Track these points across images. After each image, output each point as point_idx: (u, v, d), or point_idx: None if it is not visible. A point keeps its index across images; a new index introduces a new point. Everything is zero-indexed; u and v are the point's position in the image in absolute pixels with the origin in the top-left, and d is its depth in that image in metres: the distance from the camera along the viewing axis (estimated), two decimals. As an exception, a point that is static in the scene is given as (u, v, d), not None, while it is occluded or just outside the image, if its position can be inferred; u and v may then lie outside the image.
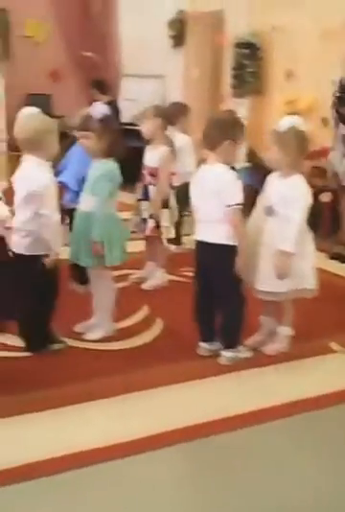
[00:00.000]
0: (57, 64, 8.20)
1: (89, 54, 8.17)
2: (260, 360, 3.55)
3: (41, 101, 6.87)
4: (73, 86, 8.24)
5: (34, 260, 3.36)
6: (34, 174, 3.36)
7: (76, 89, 8.23)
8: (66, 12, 8.07)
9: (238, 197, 3.32)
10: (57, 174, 3.93)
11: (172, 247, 5.30)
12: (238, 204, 3.31)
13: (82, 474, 2.54)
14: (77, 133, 3.70)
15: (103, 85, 7.68)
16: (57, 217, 3.40)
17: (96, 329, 3.77)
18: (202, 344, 3.60)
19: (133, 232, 4.46)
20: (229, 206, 3.30)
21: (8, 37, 7.83)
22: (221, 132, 3.36)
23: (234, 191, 3.32)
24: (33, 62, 7.79)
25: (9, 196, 3.49)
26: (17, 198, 3.39)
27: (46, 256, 3.36)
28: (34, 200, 3.31)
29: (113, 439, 2.75)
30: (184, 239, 5.61)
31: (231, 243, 3.34)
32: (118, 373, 3.36)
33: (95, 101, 7.44)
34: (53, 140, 3.41)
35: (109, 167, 3.62)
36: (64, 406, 3.00)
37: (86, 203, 3.62)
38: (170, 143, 4.68)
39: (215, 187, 3.33)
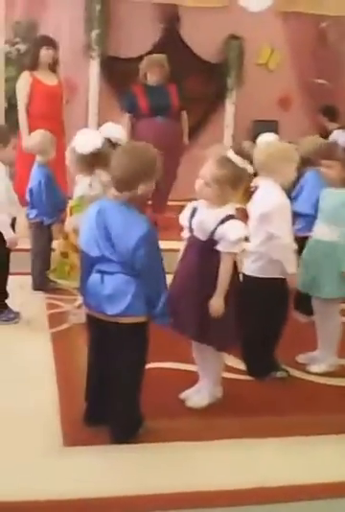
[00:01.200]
0: (286, 91, 8.21)
1: (322, 81, 8.08)
2: None
3: (268, 127, 6.88)
4: (300, 113, 8.19)
5: (266, 283, 3.35)
6: (267, 195, 3.39)
7: (303, 116, 8.16)
8: (301, 40, 8.06)
9: None
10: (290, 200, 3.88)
11: None
12: None
13: (302, 507, 2.49)
14: (322, 162, 3.61)
15: (333, 112, 7.53)
16: (289, 239, 3.36)
17: (319, 362, 3.64)
18: None
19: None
20: None
21: (241, 65, 8.02)
22: None
23: None
24: (263, 89, 7.87)
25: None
26: (252, 222, 3.42)
27: (278, 280, 3.33)
28: (267, 221, 3.32)
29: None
30: None
31: None
32: (342, 410, 3.22)
33: (325, 128, 7.37)
34: (288, 167, 3.40)
35: None
36: (289, 435, 2.94)
37: (326, 233, 3.52)
38: None
39: None
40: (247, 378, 3.48)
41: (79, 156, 3.79)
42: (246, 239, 3.08)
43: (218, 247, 2.94)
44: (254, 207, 3.46)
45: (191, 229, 3.06)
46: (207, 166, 2.96)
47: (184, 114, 6.62)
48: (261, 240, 3.35)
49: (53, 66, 6.17)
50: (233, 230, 2.92)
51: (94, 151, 3.73)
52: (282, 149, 3.45)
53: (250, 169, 3.02)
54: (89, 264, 2.78)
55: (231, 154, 2.96)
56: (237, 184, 2.98)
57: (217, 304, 2.93)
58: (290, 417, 3.11)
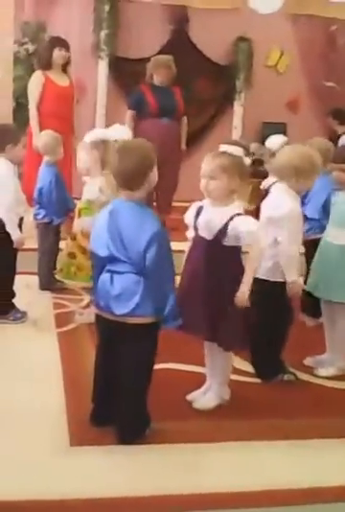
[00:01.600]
0: (295, 94, 8.21)
1: (331, 84, 8.07)
2: None
3: (276, 129, 6.89)
4: (309, 116, 8.19)
5: (271, 285, 3.33)
6: (278, 200, 3.36)
7: (312, 119, 8.16)
8: (311, 43, 8.07)
9: None
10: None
11: None
12: None
13: (310, 510, 2.48)
14: (333, 166, 3.58)
15: (343, 115, 7.52)
16: (295, 249, 3.33)
17: (327, 365, 3.62)
18: None
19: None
20: None
21: (250, 67, 8.02)
22: None
23: None
24: (271, 92, 7.87)
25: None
26: (261, 223, 3.39)
27: (283, 282, 3.31)
28: (275, 226, 3.29)
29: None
30: None
31: None
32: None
33: (334, 131, 7.34)
34: (310, 178, 3.35)
35: None
36: (297, 438, 2.92)
37: (339, 236, 3.49)
38: None
39: None
40: (255, 380, 3.46)
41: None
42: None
43: (241, 243, 2.94)
44: (264, 208, 3.44)
45: (196, 228, 3.04)
46: (205, 162, 2.96)
47: (184, 119, 6.63)
48: (268, 243, 3.31)
49: (65, 67, 6.19)
50: (244, 222, 2.92)
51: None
52: (308, 159, 3.33)
53: (248, 160, 3.00)
54: (100, 264, 2.77)
55: (224, 147, 2.96)
56: (242, 172, 2.95)
57: (242, 294, 2.92)
58: (298, 420, 3.09)
